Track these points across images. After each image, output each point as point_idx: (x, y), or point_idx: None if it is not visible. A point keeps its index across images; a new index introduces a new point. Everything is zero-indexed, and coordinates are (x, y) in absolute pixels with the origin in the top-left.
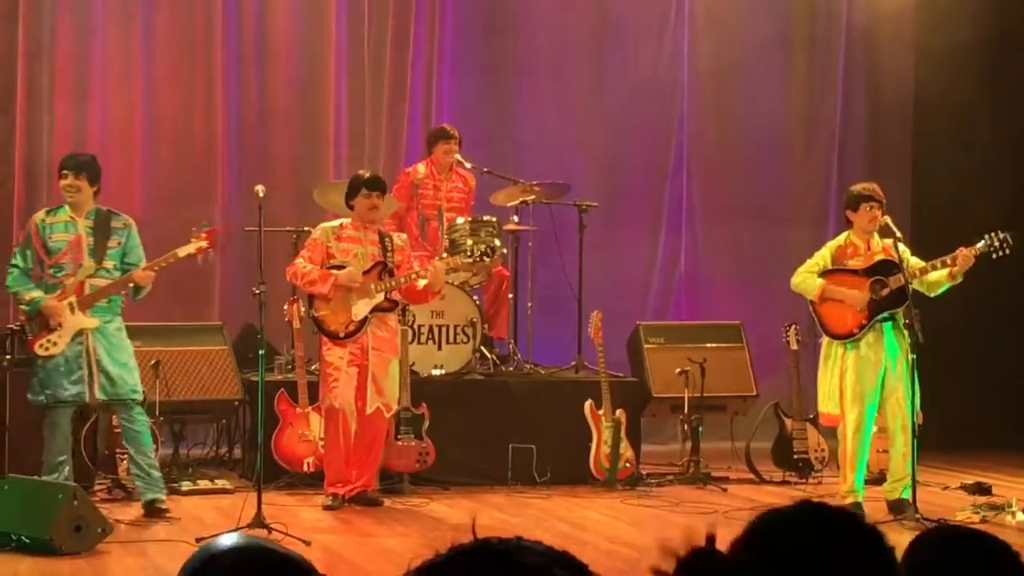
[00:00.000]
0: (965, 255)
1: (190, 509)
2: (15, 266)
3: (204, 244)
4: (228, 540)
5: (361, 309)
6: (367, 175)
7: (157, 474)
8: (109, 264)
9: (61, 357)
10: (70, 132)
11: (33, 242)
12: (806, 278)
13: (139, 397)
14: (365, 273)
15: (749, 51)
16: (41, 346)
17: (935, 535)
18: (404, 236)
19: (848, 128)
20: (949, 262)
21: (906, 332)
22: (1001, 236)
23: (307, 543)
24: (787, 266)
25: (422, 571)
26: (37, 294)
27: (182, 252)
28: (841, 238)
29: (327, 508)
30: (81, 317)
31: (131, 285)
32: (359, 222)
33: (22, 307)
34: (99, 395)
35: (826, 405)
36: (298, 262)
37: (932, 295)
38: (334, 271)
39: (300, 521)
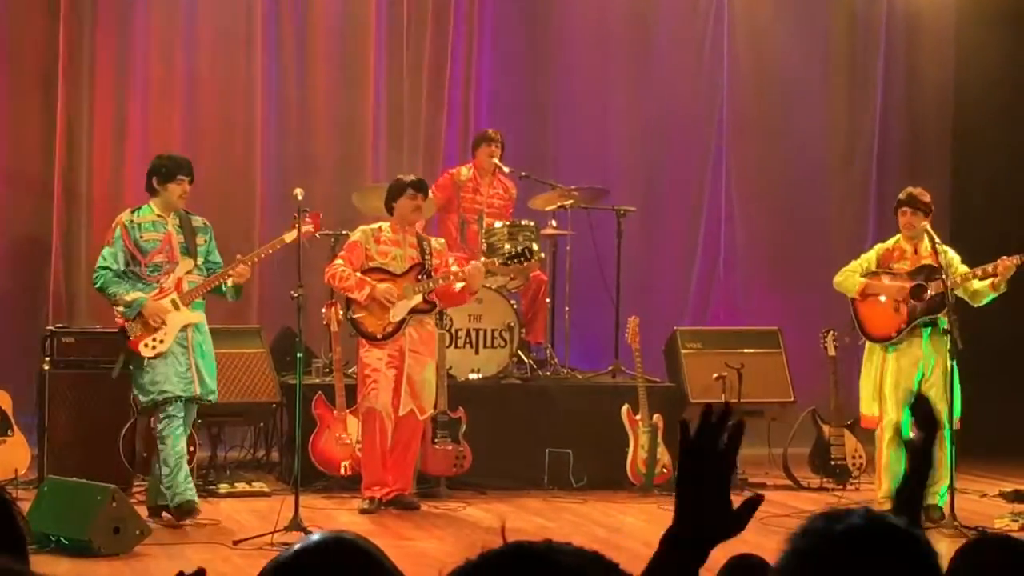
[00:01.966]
0: (1006, 264)
1: (227, 512)
2: (107, 268)
3: (310, 228)
4: (318, 536)
5: (399, 311)
6: (411, 177)
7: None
8: (199, 261)
9: (170, 354)
10: (109, 135)
11: (124, 243)
12: (848, 276)
13: (215, 399)
14: (403, 275)
15: (789, 59)
16: (146, 346)
17: (981, 544)
18: (442, 240)
19: (887, 134)
20: (991, 270)
21: (946, 338)
22: None
23: None
24: (825, 273)
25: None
26: (138, 295)
27: (288, 237)
28: (890, 241)
29: (364, 511)
30: (186, 312)
31: (230, 284)
32: (398, 225)
33: (120, 309)
34: (198, 390)
35: (866, 407)
36: (337, 263)
37: (976, 304)
38: (370, 281)
39: (337, 524)
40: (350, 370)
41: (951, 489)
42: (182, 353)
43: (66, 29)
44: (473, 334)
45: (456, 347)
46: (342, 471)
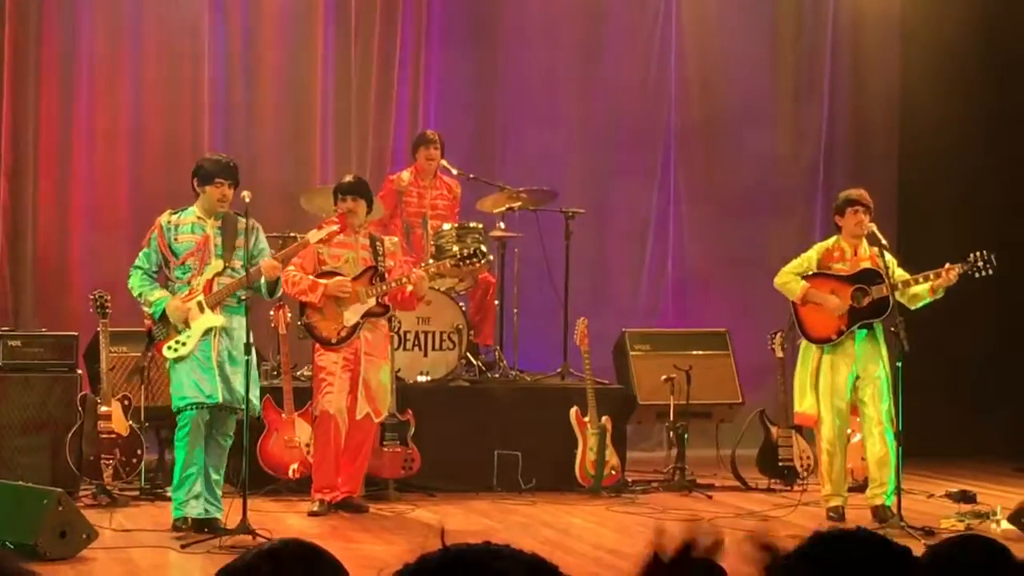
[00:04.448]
0: (947, 276)
1: None
2: (139, 267)
3: (335, 228)
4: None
5: (352, 315)
6: (344, 180)
7: (220, 492)
8: (236, 263)
9: (192, 358)
10: (56, 133)
11: (158, 244)
12: (790, 279)
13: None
14: (356, 278)
15: (736, 60)
16: (169, 348)
17: (958, 543)
18: (395, 239)
19: (834, 136)
20: (932, 277)
21: (882, 340)
22: (984, 256)
23: None
24: (773, 274)
25: None
26: (161, 294)
27: (313, 238)
28: (829, 241)
29: (313, 514)
30: (210, 315)
31: (262, 280)
32: (348, 228)
33: (147, 309)
34: (225, 397)
35: (800, 404)
36: (289, 270)
37: (912, 308)
38: (323, 280)
39: (286, 528)
40: (299, 373)
41: (899, 490)
42: (207, 358)
43: (11, 34)
44: (422, 336)
45: (405, 349)
46: (290, 474)
